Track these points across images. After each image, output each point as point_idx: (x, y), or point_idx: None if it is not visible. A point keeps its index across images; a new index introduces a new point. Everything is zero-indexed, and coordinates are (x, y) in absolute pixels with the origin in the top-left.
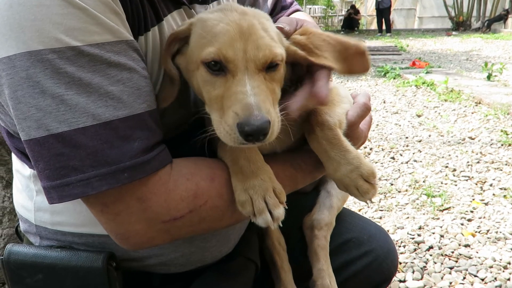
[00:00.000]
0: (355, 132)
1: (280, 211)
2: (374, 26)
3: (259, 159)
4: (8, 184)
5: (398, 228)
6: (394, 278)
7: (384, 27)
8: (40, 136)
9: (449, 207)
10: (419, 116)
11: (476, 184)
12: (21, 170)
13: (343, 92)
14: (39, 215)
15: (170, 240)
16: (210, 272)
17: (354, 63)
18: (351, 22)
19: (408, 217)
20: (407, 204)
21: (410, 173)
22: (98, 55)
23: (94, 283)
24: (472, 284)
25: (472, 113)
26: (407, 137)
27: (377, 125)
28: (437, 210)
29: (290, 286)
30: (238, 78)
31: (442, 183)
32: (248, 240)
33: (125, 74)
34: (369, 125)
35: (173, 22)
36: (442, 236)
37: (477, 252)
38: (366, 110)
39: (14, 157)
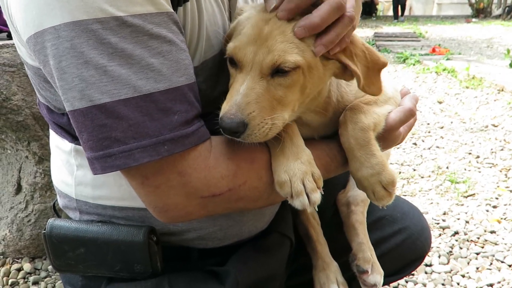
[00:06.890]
0: (392, 135)
1: (317, 195)
2: (391, 12)
3: (301, 143)
4: (41, 160)
5: (422, 213)
6: None
7: (399, 12)
8: (83, 107)
9: (474, 194)
10: (440, 102)
11: (501, 171)
12: (61, 146)
13: (391, 92)
14: (80, 190)
15: (206, 215)
16: (247, 248)
17: (371, 82)
18: (369, 8)
19: (432, 203)
20: (430, 189)
21: (432, 159)
22: (140, 26)
23: (135, 257)
24: (499, 270)
25: (495, 100)
26: (428, 124)
27: None
28: (461, 196)
29: (328, 258)
30: (241, 76)
31: (465, 169)
32: (282, 217)
33: (165, 46)
34: (410, 128)
35: None
36: (467, 222)
37: (503, 239)
38: (409, 115)
39: (52, 134)
